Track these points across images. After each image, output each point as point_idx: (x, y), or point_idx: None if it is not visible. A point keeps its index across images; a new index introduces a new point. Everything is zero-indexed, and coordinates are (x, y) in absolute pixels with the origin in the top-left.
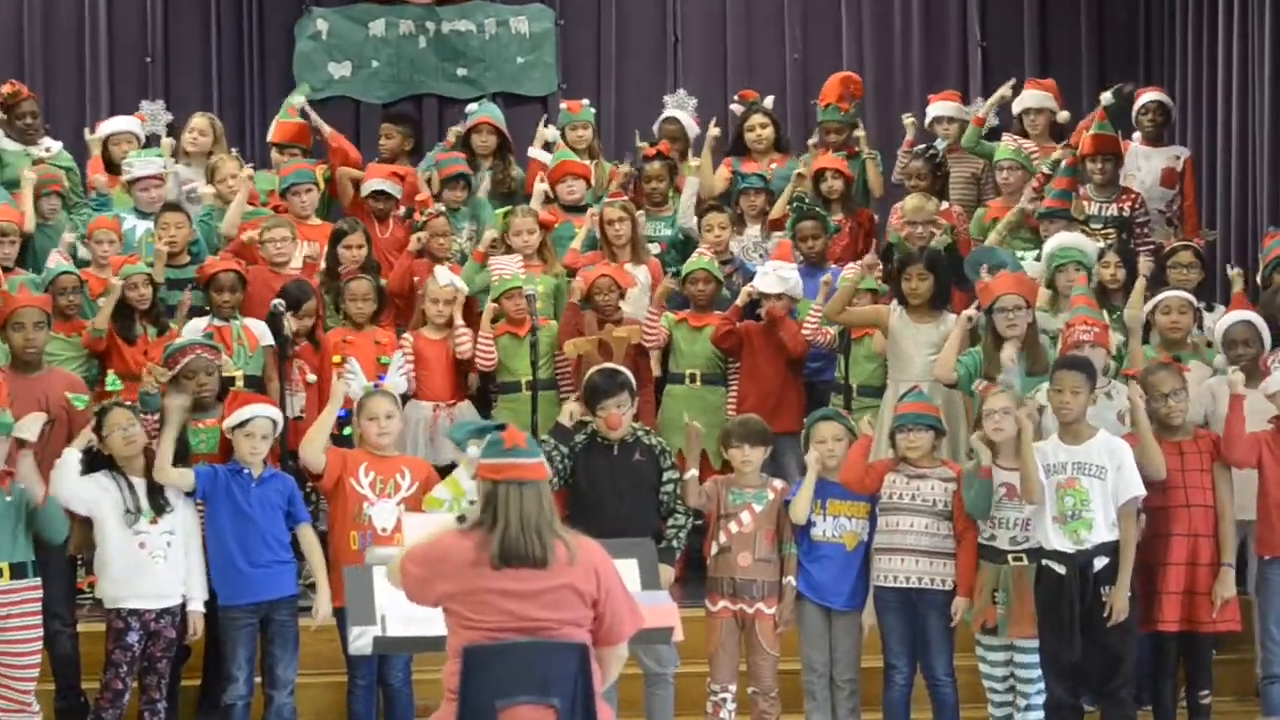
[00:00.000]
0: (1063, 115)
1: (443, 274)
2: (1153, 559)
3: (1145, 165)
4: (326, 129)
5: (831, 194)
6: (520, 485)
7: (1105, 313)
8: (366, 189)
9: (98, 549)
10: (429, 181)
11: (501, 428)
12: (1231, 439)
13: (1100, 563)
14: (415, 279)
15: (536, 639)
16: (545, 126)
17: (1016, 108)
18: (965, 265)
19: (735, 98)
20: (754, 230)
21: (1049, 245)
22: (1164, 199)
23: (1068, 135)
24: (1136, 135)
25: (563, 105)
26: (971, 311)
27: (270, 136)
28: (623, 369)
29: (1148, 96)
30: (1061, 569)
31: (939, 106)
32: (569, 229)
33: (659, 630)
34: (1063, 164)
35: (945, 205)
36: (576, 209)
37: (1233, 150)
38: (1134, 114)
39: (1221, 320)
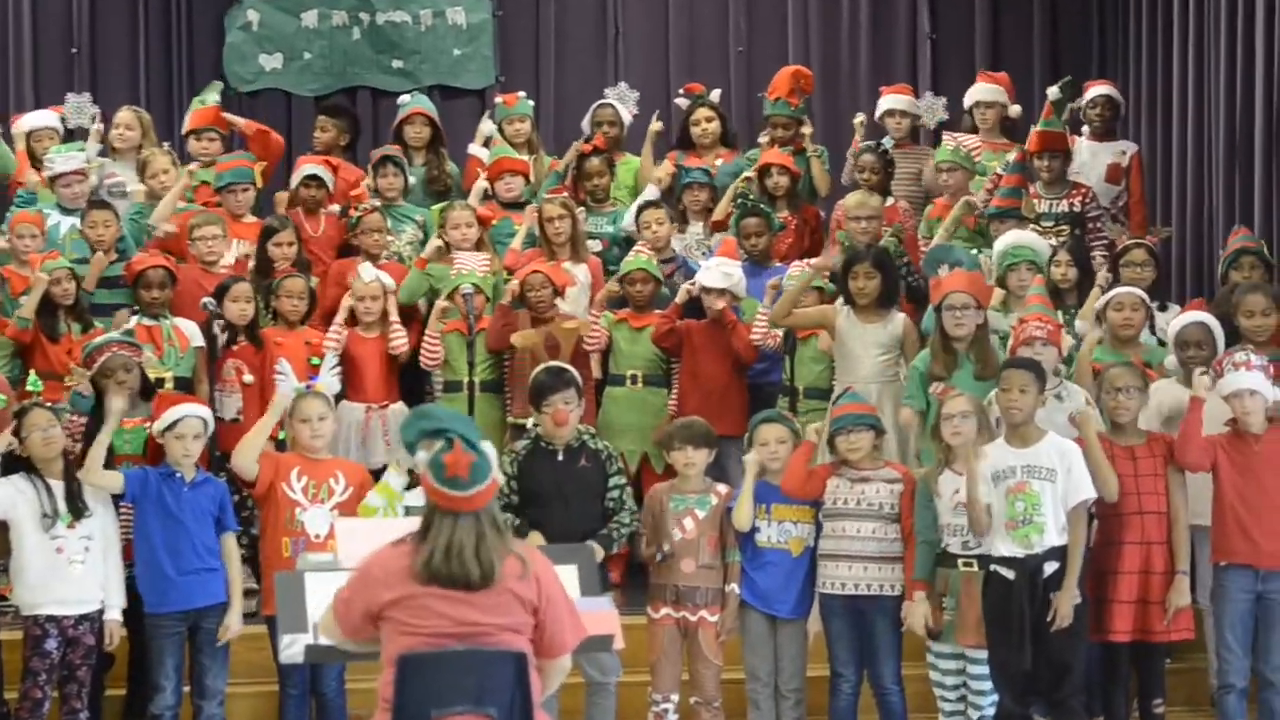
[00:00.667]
0: (1014, 110)
1: (366, 270)
2: (1105, 567)
3: (1091, 161)
4: (241, 122)
5: (777, 190)
6: (455, 517)
7: (1059, 312)
8: (298, 176)
9: (13, 554)
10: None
11: (450, 444)
12: (1185, 441)
13: (1050, 568)
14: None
15: (473, 647)
16: (485, 121)
17: (967, 101)
18: (924, 263)
19: (680, 91)
20: (697, 227)
21: (1000, 244)
22: (1109, 195)
23: (1020, 131)
24: (1085, 130)
25: (499, 99)
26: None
27: (185, 127)
28: (569, 366)
29: (1095, 91)
30: (1011, 574)
31: (890, 100)
32: (508, 225)
33: (599, 638)
34: (1010, 161)
35: (891, 201)
36: (515, 206)
37: (1188, 145)
38: (1082, 109)
39: (1175, 321)
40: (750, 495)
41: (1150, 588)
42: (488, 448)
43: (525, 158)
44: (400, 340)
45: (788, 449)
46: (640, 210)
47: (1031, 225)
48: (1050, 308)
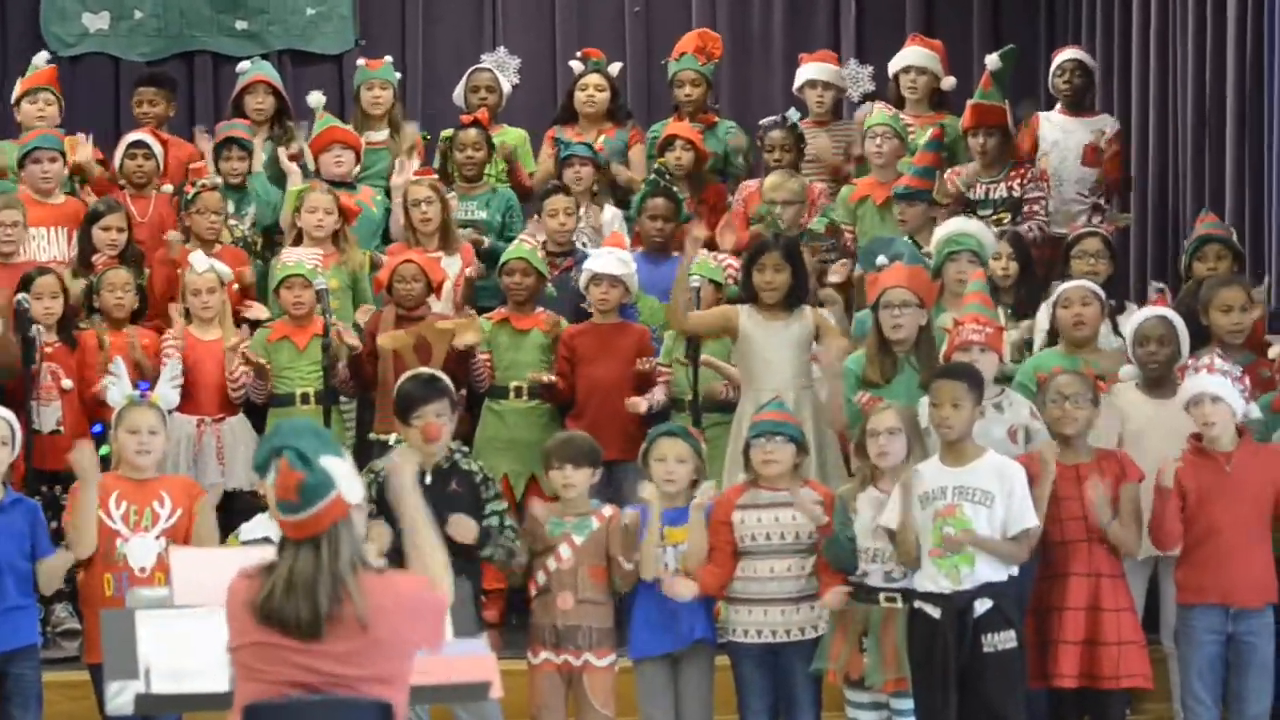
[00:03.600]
0: (947, 81)
1: (199, 259)
2: (1047, 603)
3: (1064, 139)
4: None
5: (679, 168)
6: (295, 544)
7: (999, 311)
8: (122, 147)
9: None
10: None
11: (279, 462)
12: (1159, 528)
13: (982, 607)
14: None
15: (329, 696)
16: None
17: (894, 66)
18: (860, 255)
19: (577, 54)
20: (580, 210)
21: (939, 232)
22: (1086, 182)
23: (952, 105)
24: (1058, 105)
25: (360, 62)
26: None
27: (15, 93)
28: (441, 374)
29: (1064, 56)
30: (937, 612)
31: (810, 69)
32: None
33: (475, 685)
34: (928, 136)
35: (808, 182)
36: (345, 185)
37: (1150, 126)
38: (1050, 78)
39: (1134, 316)
40: (655, 540)
41: (1100, 627)
42: (331, 462)
43: (383, 133)
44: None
45: (687, 469)
46: (544, 196)
47: (965, 212)
48: (990, 307)
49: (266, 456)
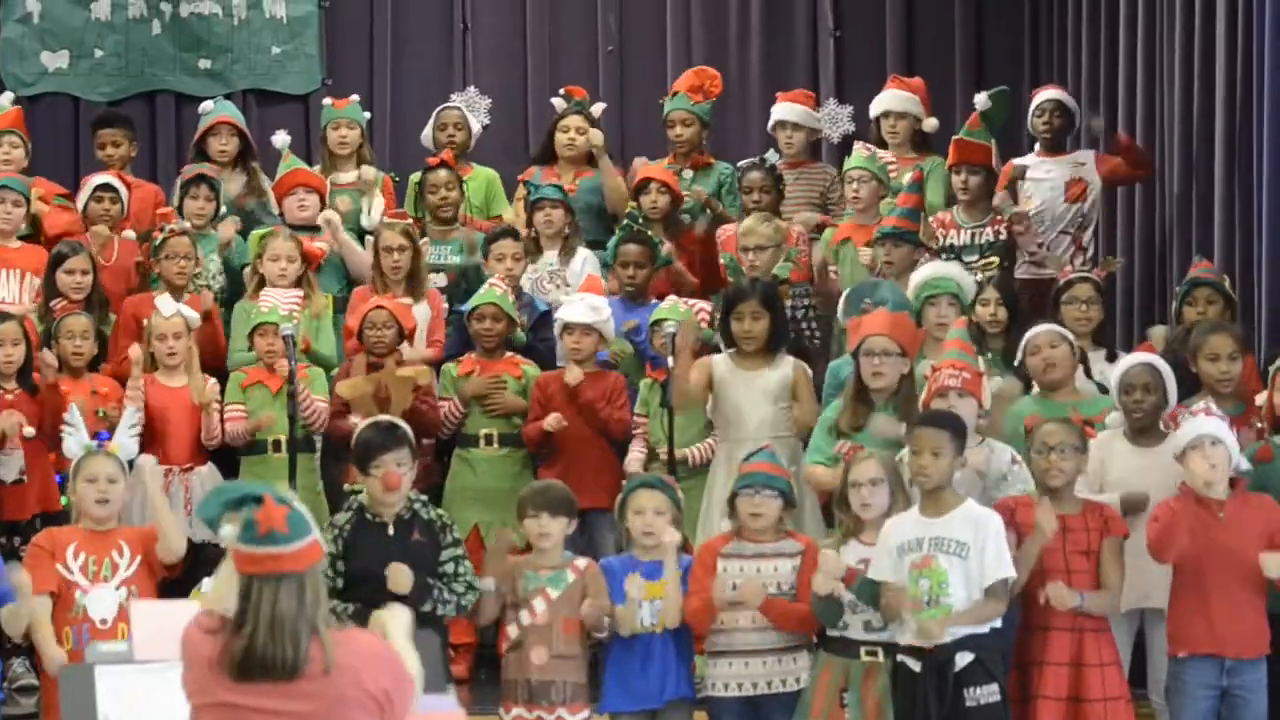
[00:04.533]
0: (929, 123)
1: (165, 304)
2: (1028, 658)
3: (1046, 179)
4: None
5: (654, 212)
6: (276, 580)
7: (981, 358)
8: (87, 190)
9: None
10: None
11: (259, 501)
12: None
13: (963, 660)
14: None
15: None
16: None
17: (873, 110)
18: (844, 300)
19: (560, 92)
20: (551, 255)
21: (918, 275)
22: (1071, 218)
23: (936, 146)
24: (1037, 147)
25: (326, 101)
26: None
27: None
28: (401, 422)
29: (1044, 96)
30: (917, 665)
31: (782, 109)
32: None
33: None
34: (908, 178)
35: (784, 225)
36: (310, 229)
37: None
38: (1029, 118)
39: (1119, 363)
40: (637, 601)
41: (1084, 682)
42: (302, 508)
43: (351, 174)
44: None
45: (666, 522)
46: (492, 239)
47: (947, 257)
48: (970, 353)
49: (221, 510)
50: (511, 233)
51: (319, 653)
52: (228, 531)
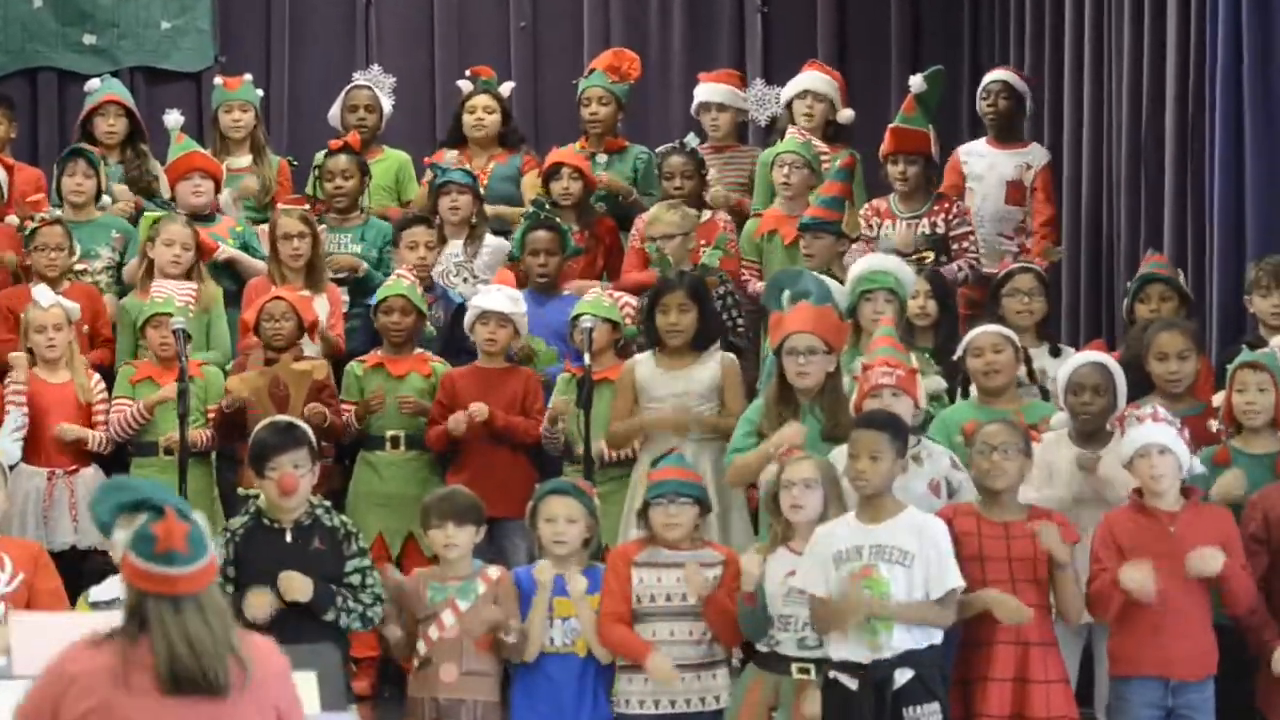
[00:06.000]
0: (844, 114)
1: (43, 294)
2: (971, 674)
3: (987, 174)
4: None
5: (565, 198)
6: (174, 601)
7: (913, 355)
8: None
9: None
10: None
11: (159, 513)
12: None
13: (903, 677)
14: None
15: None
16: (171, 113)
17: (788, 92)
18: (765, 290)
19: (466, 73)
20: (456, 245)
21: (855, 269)
22: (1010, 222)
23: (845, 137)
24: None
25: (218, 81)
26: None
27: None
28: (299, 421)
29: (991, 77)
30: (854, 683)
31: (706, 90)
32: None
33: None
34: (837, 166)
35: (708, 216)
36: (204, 218)
37: (1084, 153)
38: (976, 102)
39: (1068, 362)
40: (543, 616)
41: (1028, 700)
42: (201, 519)
43: (246, 158)
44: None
45: (578, 529)
46: (403, 226)
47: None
48: (901, 350)
49: (115, 512)
50: (424, 220)
51: (237, 668)
52: (121, 538)
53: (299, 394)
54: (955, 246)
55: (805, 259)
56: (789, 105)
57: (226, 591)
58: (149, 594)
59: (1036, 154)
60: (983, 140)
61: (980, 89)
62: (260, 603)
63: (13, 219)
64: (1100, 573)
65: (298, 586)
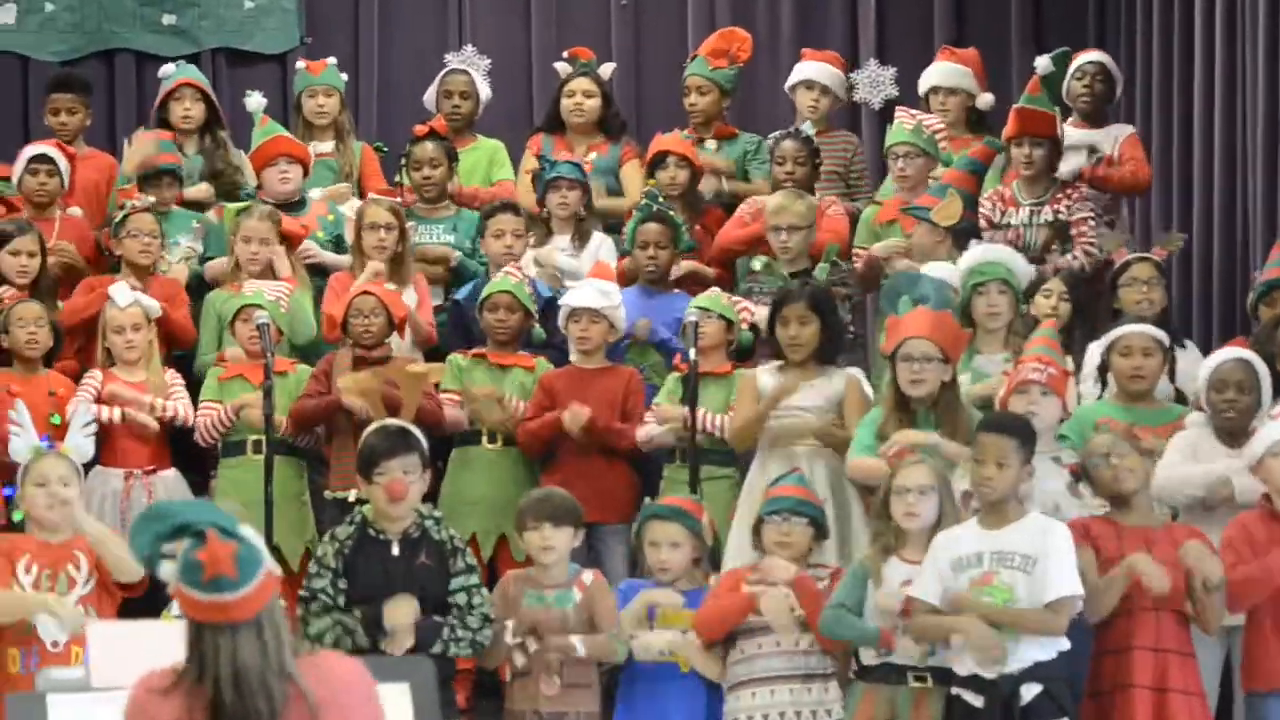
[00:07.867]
0: (984, 99)
1: (121, 292)
2: (1103, 685)
3: (1071, 156)
4: None
5: (673, 188)
6: (232, 630)
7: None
8: (22, 162)
9: None
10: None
11: (200, 537)
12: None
13: (1030, 692)
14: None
15: None
16: (253, 95)
17: (922, 86)
18: (881, 295)
19: (564, 55)
20: (563, 239)
21: (964, 260)
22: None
23: (990, 124)
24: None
25: (300, 65)
26: None
27: None
28: (412, 427)
29: (1085, 58)
30: (978, 701)
31: (809, 68)
32: None
33: None
34: (965, 155)
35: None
36: (292, 206)
37: (1215, 137)
38: (1066, 82)
39: (1210, 358)
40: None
41: (1168, 711)
42: (250, 532)
43: (329, 144)
44: (176, 402)
45: (682, 555)
46: (489, 214)
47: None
48: (1057, 350)
49: (154, 544)
50: (511, 207)
51: (297, 694)
52: (168, 570)
53: (413, 394)
54: (1074, 232)
55: (899, 181)
56: (925, 99)
57: (339, 605)
58: (205, 625)
59: (1117, 130)
60: (1069, 123)
61: (1074, 69)
62: (404, 611)
63: (75, 210)
64: (1237, 564)
65: (403, 617)
